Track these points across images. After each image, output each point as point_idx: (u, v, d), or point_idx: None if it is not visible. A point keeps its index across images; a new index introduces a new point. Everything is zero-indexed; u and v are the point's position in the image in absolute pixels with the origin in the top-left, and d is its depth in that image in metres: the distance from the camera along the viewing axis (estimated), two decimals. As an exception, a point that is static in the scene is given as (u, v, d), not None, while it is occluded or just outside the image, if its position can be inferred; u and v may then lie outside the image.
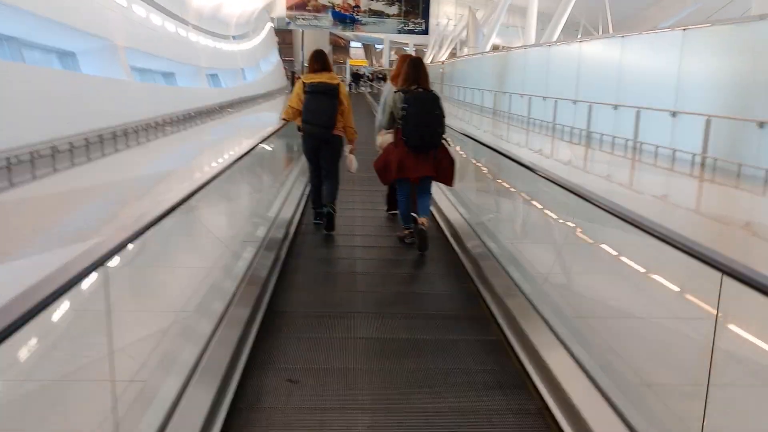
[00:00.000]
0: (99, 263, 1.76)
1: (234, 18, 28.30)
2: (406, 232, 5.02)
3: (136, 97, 13.45)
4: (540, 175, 3.79)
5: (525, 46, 20.45)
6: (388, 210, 6.00)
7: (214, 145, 12.69)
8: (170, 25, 17.31)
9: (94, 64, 12.77)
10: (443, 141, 4.92)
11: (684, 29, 10.46)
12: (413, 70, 4.87)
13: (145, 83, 15.42)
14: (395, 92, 4.86)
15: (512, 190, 5.60)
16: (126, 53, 13.87)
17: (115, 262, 1.90)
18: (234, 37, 29.16)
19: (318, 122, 5.22)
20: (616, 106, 12.87)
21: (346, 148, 5.54)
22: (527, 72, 19.04)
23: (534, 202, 4.96)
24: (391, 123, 4.87)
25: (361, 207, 6.52)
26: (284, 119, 5.65)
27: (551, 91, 16.61)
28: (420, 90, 4.79)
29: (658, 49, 11.63)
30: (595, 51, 14.71)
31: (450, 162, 4.99)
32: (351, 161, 5.58)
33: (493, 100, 22.39)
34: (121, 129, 11.58)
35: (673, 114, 10.74)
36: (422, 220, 4.84)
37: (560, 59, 16.62)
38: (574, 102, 14.94)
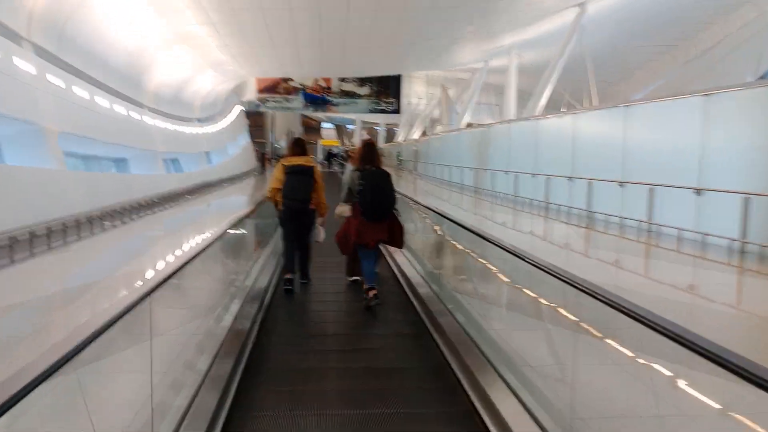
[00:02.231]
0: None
1: (198, 100, 26.99)
2: (372, 293, 5.65)
3: (69, 188, 11.54)
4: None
5: (510, 120, 19.29)
6: (349, 276, 6.67)
7: (158, 243, 10.69)
8: (120, 108, 15.68)
9: (19, 152, 10.92)
10: (394, 210, 5.77)
11: (706, 95, 9.09)
12: (367, 152, 5.75)
13: (82, 172, 13.55)
14: (353, 171, 5.79)
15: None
16: (64, 139, 12.11)
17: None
18: (199, 120, 27.77)
19: (296, 197, 6.14)
20: (622, 183, 11.39)
21: (318, 220, 6.45)
22: (512, 148, 17.75)
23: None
24: (350, 197, 5.73)
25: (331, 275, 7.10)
26: (268, 198, 6.45)
27: (541, 167, 15.22)
28: (374, 168, 5.64)
29: (672, 118, 10.25)
30: (593, 123, 13.39)
31: (400, 229, 5.86)
32: (319, 232, 6.47)
33: (474, 177, 21.04)
34: (45, 227, 9.62)
35: (698, 192, 9.23)
36: (372, 293, 5.59)
37: (551, 134, 15.32)
38: (570, 179, 13.49)
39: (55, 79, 11.62)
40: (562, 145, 14.15)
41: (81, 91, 12.96)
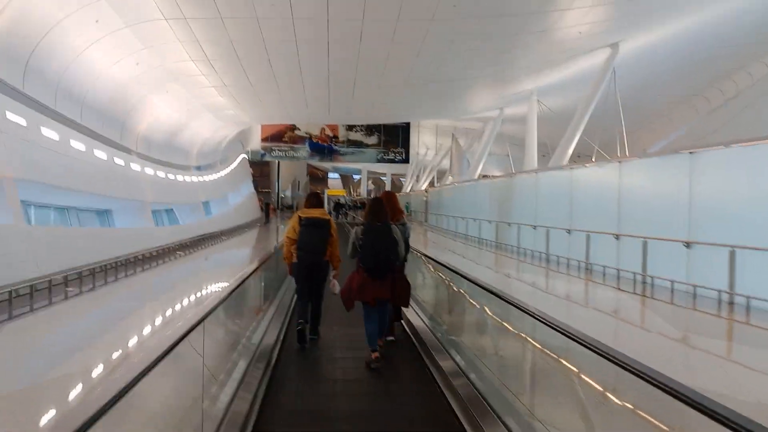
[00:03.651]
0: None
1: (196, 146, 25.38)
2: (374, 356, 5.58)
3: (27, 248, 9.65)
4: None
5: (537, 170, 17.48)
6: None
7: (128, 318, 8.62)
8: (101, 152, 13.92)
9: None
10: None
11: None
12: (373, 207, 5.95)
13: (47, 227, 11.67)
14: (358, 226, 5.97)
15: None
16: (25, 187, 10.33)
17: None
18: (197, 168, 26.11)
19: (310, 249, 6.34)
20: (688, 244, 9.45)
21: (331, 273, 6.59)
22: (541, 200, 15.89)
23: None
24: (354, 252, 5.82)
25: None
26: (284, 251, 6.61)
27: (578, 222, 13.33)
28: (377, 223, 5.80)
29: (760, 168, 8.37)
30: (645, 173, 11.51)
31: (406, 286, 6.11)
32: (334, 285, 6.49)
33: (495, 231, 19.14)
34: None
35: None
36: (374, 355, 5.58)
37: (590, 185, 13.45)
38: (617, 237, 11.57)
39: (16, 117, 9.85)
40: (606, 197, 12.28)
41: (50, 131, 11.19)
